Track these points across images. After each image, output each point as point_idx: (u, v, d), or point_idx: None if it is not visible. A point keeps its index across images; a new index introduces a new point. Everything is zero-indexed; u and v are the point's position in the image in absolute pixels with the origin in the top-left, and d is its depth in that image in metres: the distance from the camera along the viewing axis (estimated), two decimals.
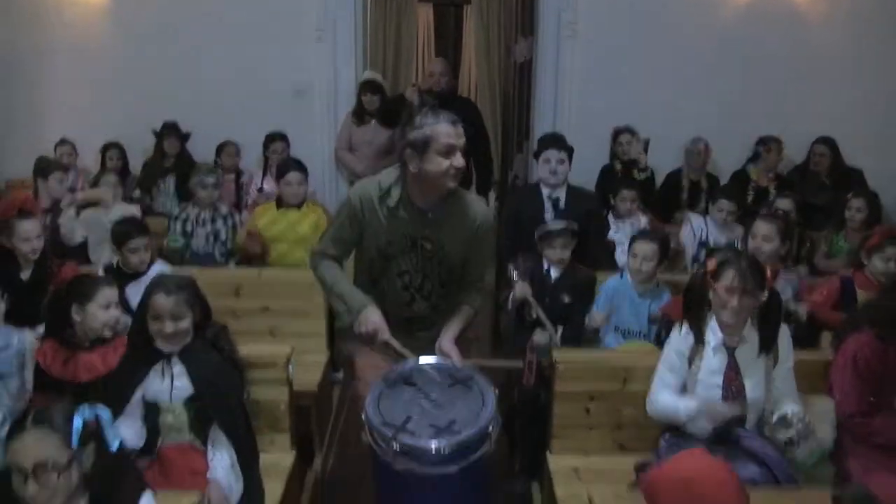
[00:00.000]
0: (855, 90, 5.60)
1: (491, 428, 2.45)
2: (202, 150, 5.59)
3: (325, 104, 5.73)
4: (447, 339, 2.76)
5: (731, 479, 1.86)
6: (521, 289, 3.61)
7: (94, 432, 1.87)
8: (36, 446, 1.78)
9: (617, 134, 5.42)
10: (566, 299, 3.64)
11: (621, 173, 5.26)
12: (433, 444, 2.33)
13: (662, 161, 5.47)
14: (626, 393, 2.96)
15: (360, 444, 2.48)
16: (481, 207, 2.90)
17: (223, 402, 2.56)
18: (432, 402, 2.53)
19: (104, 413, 1.95)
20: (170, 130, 5.55)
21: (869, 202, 4.54)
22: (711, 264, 2.72)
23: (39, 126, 5.80)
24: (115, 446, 1.93)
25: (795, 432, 2.55)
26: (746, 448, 2.65)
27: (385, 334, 2.74)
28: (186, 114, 5.63)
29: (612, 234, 4.48)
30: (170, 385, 2.53)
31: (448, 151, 2.62)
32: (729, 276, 2.62)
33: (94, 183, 5.03)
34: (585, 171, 5.04)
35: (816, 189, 5.33)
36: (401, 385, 2.61)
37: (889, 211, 5.14)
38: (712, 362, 2.69)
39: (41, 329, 2.99)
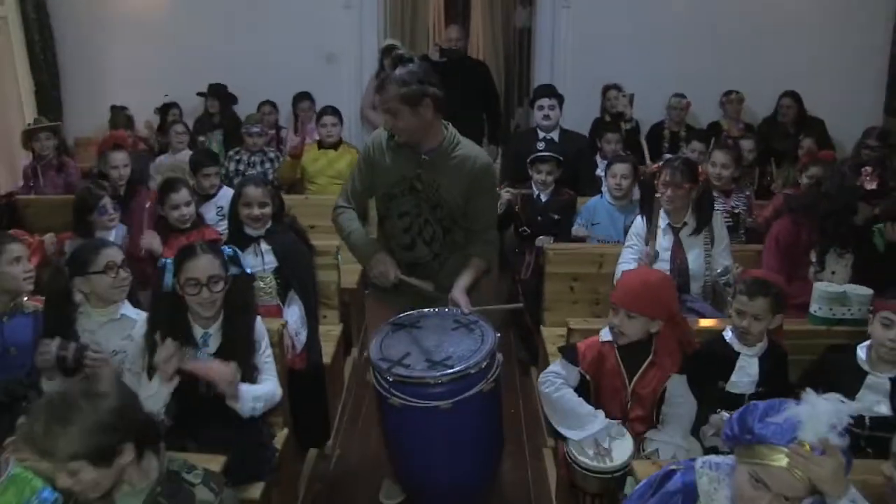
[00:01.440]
0: (820, 48, 6.37)
1: (486, 364, 2.59)
2: (244, 108, 6.39)
3: (351, 68, 6.56)
4: (458, 289, 2.89)
5: (671, 285, 2.70)
6: (506, 195, 4.39)
7: (234, 260, 2.66)
8: (210, 264, 2.52)
9: (606, 90, 6.19)
10: (555, 216, 4.45)
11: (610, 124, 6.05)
12: (425, 376, 2.51)
13: (646, 114, 6.25)
14: (601, 274, 3.78)
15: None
16: (480, 154, 2.99)
17: (299, 271, 3.37)
18: (433, 342, 2.70)
19: (238, 251, 2.75)
20: (212, 92, 6.39)
21: (817, 141, 5.34)
22: (657, 167, 3.56)
23: (101, 89, 6.64)
24: (249, 270, 2.74)
25: (731, 276, 3.34)
26: (690, 307, 3.47)
27: (395, 272, 2.90)
28: (229, 78, 6.46)
29: (598, 172, 5.26)
30: (261, 261, 3.35)
31: (384, 112, 2.85)
32: (665, 174, 3.45)
33: (163, 133, 5.92)
34: (579, 125, 5.84)
35: (782, 137, 6.09)
36: (406, 328, 2.82)
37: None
38: (662, 241, 3.52)
39: None
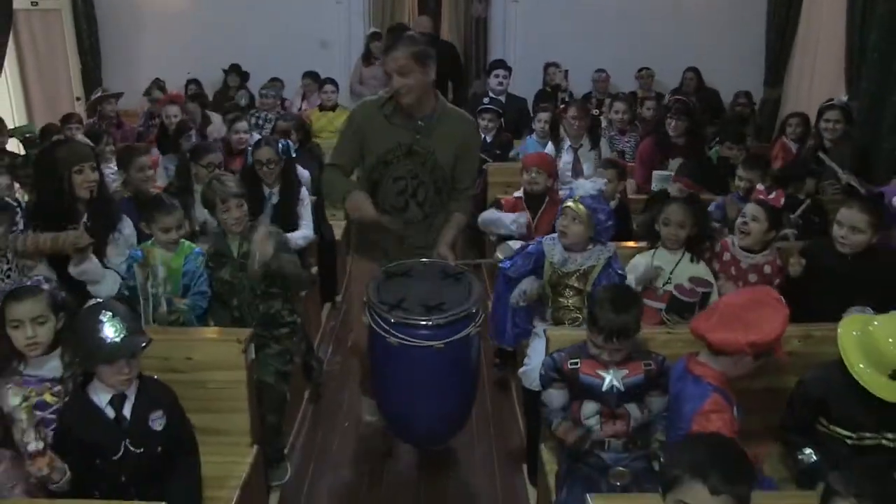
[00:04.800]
0: (714, 33, 8.36)
1: (474, 310, 2.97)
2: (254, 84, 8.20)
3: (341, 52, 8.43)
4: (443, 245, 3.28)
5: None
6: None
7: (286, 150, 4.48)
8: (270, 151, 4.30)
9: (547, 66, 8.12)
10: (497, 151, 6.33)
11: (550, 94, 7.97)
12: (422, 319, 2.88)
13: (579, 87, 8.18)
14: None
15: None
16: (467, 118, 3.43)
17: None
18: (425, 289, 3.06)
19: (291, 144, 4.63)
20: (232, 69, 8.22)
21: (712, 106, 7.30)
22: (564, 108, 5.46)
23: (134, 69, 8.42)
24: None
25: None
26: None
27: (371, 212, 3.19)
28: (242, 58, 8.29)
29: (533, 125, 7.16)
30: None
31: (393, 73, 3.11)
32: (572, 111, 5.35)
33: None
34: (524, 94, 7.73)
35: None
36: (398, 277, 3.17)
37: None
38: (565, 157, 5.40)
39: None
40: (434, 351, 2.88)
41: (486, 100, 6.58)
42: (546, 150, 5.51)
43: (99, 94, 7.17)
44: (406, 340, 2.88)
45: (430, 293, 3.03)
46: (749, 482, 1.86)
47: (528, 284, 3.56)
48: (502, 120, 6.47)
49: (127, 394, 2.42)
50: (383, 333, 2.91)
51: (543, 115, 6.12)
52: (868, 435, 2.57)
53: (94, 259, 3.23)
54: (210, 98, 8.08)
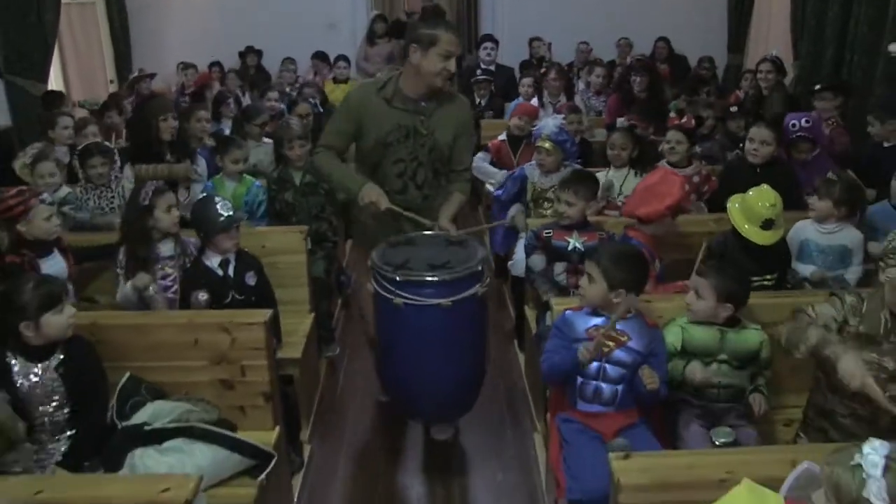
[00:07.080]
0: (683, 6, 9.46)
1: (480, 268, 3.00)
2: (269, 63, 9.30)
3: (349, 32, 9.49)
4: (444, 217, 3.31)
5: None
6: None
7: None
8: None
9: (531, 41, 9.18)
10: (491, 112, 7.40)
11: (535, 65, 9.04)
12: (429, 276, 2.90)
13: (562, 57, 9.23)
14: None
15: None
16: (463, 99, 3.52)
17: None
18: (430, 252, 3.10)
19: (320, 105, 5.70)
20: (249, 51, 9.29)
21: (680, 71, 8.39)
22: (545, 71, 6.55)
23: (161, 54, 9.48)
24: None
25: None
26: None
27: (385, 202, 3.20)
28: (257, 40, 9.36)
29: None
30: None
31: (447, 56, 3.14)
32: (552, 73, 6.46)
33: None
34: (512, 65, 8.80)
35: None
36: (403, 245, 3.21)
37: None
38: (548, 111, 6.48)
39: None
40: (441, 310, 2.92)
41: (478, 72, 7.68)
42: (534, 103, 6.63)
43: (136, 74, 8.22)
44: (412, 300, 2.91)
45: (434, 255, 3.10)
46: (640, 278, 2.89)
47: (515, 210, 4.55)
48: (492, 87, 7.55)
49: (229, 259, 3.51)
50: (389, 295, 2.96)
51: (527, 80, 7.18)
52: (755, 279, 3.61)
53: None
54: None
